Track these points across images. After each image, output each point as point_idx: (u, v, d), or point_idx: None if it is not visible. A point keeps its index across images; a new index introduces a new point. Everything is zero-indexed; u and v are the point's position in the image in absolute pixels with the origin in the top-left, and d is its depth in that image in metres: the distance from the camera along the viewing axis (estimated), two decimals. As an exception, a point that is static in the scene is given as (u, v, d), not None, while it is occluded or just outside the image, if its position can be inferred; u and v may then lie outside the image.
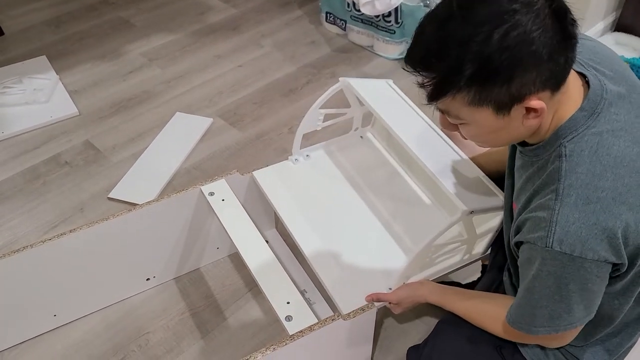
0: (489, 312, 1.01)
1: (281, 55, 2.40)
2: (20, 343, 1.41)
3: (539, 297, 0.84)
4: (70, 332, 1.43)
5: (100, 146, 1.97)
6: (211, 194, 1.37)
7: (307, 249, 1.26)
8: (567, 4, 0.74)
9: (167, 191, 1.79)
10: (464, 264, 1.24)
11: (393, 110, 1.29)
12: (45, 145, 1.98)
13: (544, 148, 0.84)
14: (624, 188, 0.77)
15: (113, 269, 1.43)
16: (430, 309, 1.41)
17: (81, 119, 2.08)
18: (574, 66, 0.80)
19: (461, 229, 1.25)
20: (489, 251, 1.24)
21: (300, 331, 1.09)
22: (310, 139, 1.63)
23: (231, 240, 1.28)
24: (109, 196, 1.76)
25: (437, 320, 1.17)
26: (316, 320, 1.11)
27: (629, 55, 2.20)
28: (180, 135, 1.99)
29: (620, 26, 2.35)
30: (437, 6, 0.76)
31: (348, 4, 2.34)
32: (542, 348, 0.99)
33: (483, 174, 1.20)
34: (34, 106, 2.10)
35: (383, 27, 2.29)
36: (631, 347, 1.03)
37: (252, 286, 1.52)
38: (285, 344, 1.07)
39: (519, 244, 0.87)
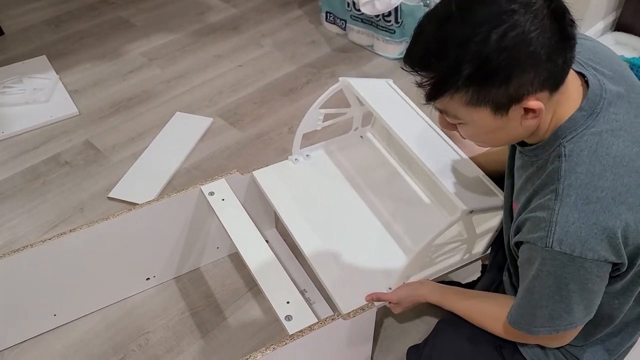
0: (489, 312, 1.01)
1: (281, 55, 2.40)
2: (20, 343, 1.41)
3: (539, 297, 0.84)
4: (70, 332, 1.43)
5: (100, 146, 1.97)
6: (211, 193, 1.37)
7: (307, 248, 1.26)
8: (566, 4, 0.74)
9: (167, 191, 1.79)
10: (463, 263, 1.24)
11: (393, 110, 1.29)
12: (45, 145, 1.98)
13: (543, 148, 0.84)
14: (624, 188, 0.77)
15: (113, 269, 1.43)
16: (430, 308, 1.41)
17: (81, 119, 2.08)
18: (574, 66, 0.80)
19: (461, 229, 1.25)
20: (488, 251, 1.24)
21: (300, 331, 1.09)
22: (310, 139, 1.63)
23: (231, 239, 1.28)
24: (109, 196, 1.77)
25: (437, 320, 1.17)
26: (316, 320, 1.11)
27: (629, 54, 2.21)
28: (180, 135, 1.99)
29: (620, 26, 2.35)
30: (436, 6, 0.76)
31: (348, 4, 2.34)
32: (542, 348, 0.99)
33: (483, 174, 1.20)
34: (34, 106, 2.10)
35: (383, 27, 2.29)
36: (631, 346, 1.03)
37: (252, 286, 1.52)
38: (285, 344, 1.07)
39: (518, 244, 0.87)
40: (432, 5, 0.87)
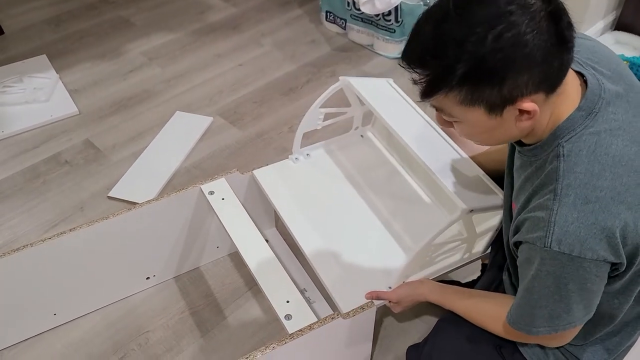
0: (489, 312, 1.01)
1: (281, 54, 2.40)
2: (20, 342, 1.41)
3: (538, 297, 0.84)
4: (70, 331, 1.43)
5: (100, 145, 1.97)
6: (211, 193, 1.37)
7: (307, 247, 1.26)
8: (565, 6, 0.74)
9: (167, 190, 1.79)
10: (463, 262, 1.24)
11: (393, 109, 1.29)
12: (45, 144, 1.98)
13: (542, 148, 0.84)
14: (623, 187, 0.77)
15: (113, 268, 1.43)
16: (430, 307, 1.41)
17: (81, 118, 2.08)
18: (573, 65, 0.80)
19: (461, 228, 1.25)
20: (489, 250, 1.24)
21: (300, 330, 1.09)
22: (310, 138, 1.63)
23: (231, 239, 1.28)
24: (109, 195, 1.77)
25: (437, 319, 1.17)
26: (316, 319, 1.11)
27: (629, 54, 2.20)
28: (180, 134, 1.99)
29: (620, 25, 2.35)
30: (435, 5, 0.76)
31: (348, 3, 2.34)
32: (542, 347, 1.00)
33: (483, 173, 1.20)
34: (34, 105, 2.10)
35: (383, 26, 2.28)
36: (631, 346, 1.03)
37: (251, 285, 1.52)
38: (285, 343, 1.07)
39: (517, 244, 0.87)
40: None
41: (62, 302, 1.41)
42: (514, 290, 1.01)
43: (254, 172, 1.42)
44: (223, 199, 1.36)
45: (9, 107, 2.09)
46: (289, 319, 1.12)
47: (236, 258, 1.60)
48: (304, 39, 2.50)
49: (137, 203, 1.37)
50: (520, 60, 0.71)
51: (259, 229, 1.29)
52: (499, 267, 1.17)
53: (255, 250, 1.24)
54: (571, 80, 0.81)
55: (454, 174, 1.15)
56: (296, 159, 1.46)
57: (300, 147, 1.45)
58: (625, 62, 1.77)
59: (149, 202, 1.36)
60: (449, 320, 1.10)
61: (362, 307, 1.13)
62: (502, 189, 1.06)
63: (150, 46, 2.46)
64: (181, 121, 2.05)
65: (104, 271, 1.42)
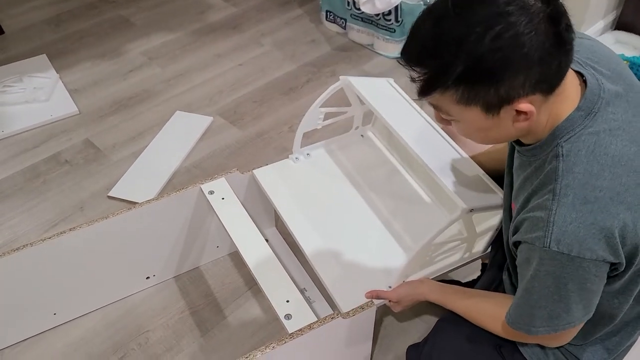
0: (489, 311, 1.01)
1: (281, 53, 2.40)
2: (21, 341, 1.41)
3: (537, 297, 0.84)
4: (70, 331, 1.43)
5: (100, 145, 1.97)
6: (211, 192, 1.37)
7: (307, 247, 1.26)
8: (565, 8, 0.74)
9: (167, 190, 1.79)
10: (464, 262, 1.24)
11: (393, 108, 1.29)
12: (45, 143, 1.98)
13: (541, 148, 0.84)
14: (622, 187, 0.77)
15: (113, 268, 1.43)
16: (430, 307, 1.41)
17: (81, 118, 2.08)
18: (572, 65, 0.79)
19: (461, 227, 1.25)
20: (489, 250, 1.24)
21: (300, 329, 1.09)
22: (310, 138, 1.63)
23: (231, 238, 1.28)
24: (109, 195, 1.77)
25: (436, 319, 1.17)
26: (316, 319, 1.11)
27: (629, 53, 2.20)
28: (180, 134, 1.99)
29: (620, 24, 2.35)
30: (434, 3, 0.77)
31: (348, 3, 2.34)
32: (542, 347, 0.99)
33: (483, 172, 1.20)
34: (34, 105, 2.10)
35: (383, 26, 2.28)
36: (630, 345, 1.03)
37: (251, 285, 1.52)
38: (285, 343, 1.07)
39: (517, 244, 0.87)
40: (432, 3, 0.88)
41: (62, 302, 1.41)
42: (514, 290, 1.01)
43: (254, 171, 1.42)
44: (223, 198, 1.36)
45: (9, 107, 2.09)
46: (288, 319, 1.12)
47: (236, 258, 1.60)
48: (304, 38, 2.50)
49: (137, 203, 1.37)
50: (517, 61, 0.71)
51: (258, 229, 1.29)
52: (499, 267, 1.17)
53: (255, 250, 1.24)
54: (571, 80, 0.81)
55: (454, 174, 1.15)
56: (296, 158, 1.46)
57: (301, 147, 1.45)
58: (625, 61, 1.77)
59: (149, 201, 1.36)
60: (449, 320, 1.10)
61: (362, 307, 1.13)
62: (502, 188, 1.05)
63: (150, 46, 2.46)
64: (181, 121, 2.05)
65: (104, 271, 1.42)
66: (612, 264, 0.79)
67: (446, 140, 1.25)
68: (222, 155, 1.92)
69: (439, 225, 1.08)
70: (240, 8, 2.71)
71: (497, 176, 1.15)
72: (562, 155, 0.80)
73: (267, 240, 1.29)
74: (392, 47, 2.33)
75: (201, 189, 1.38)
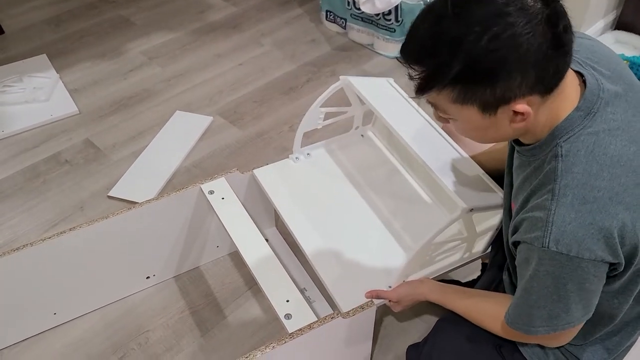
0: (489, 311, 1.01)
1: (281, 53, 2.40)
2: (20, 341, 1.41)
3: (536, 297, 0.84)
4: (70, 331, 1.43)
5: (100, 145, 1.97)
6: (211, 192, 1.37)
7: (307, 247, 1.26)
8: (564, 10, 0.73)
9: (167, 189, 1.79)
10: (464, 262, 1.24)
11: (393, 108, 1.29)
12: (45, 143, 1.98)
13: (540, 148, 0.84)
14: (621, 187, 0.77)
15: (113, 268, 1.43)
16: (430, 307, 1.41)
17: (81, 118, 2.08)
18: (572, 65, 0.79)
19: (461, 227, 1.25)
20: (489, 250, 1.24)
21: (300, 329, 1.09)
22: (310, 138, 1.63)
23: (231, 238, 1.28)
24: (109, 194, 1.77)
25: (436, 319, 1.17)
26: (316, 319, 1.11)
27: (629, 53, 2.20)
28: (180, 134, 1.99)
29: (620, 24, 2.35)
30: (433, 2, 0.77)
31: (348, 3, 2.34)
32: (542, 347, 0.99)
33: (483, 172, 1.20)
34: (34, 105, 2.10)
35: (383, 26, 2.28)
36: (631, 345, 1.03)
37: (251, 284, 1.52)
38: (285, 342, 1.07)
39: (516, 244, 0.87)
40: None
41: (62, 302, 1.41)
42: (514, 290, 1.01)
43: (254, 171, 1.42)
44: (223, 198, 1.36)
45: (9, 107, 2.09)
46: (288, 319, 1.12)
47: (236, 257, 1.60)
48: (304, 38, 2.50)
49: (137, 202, 1.37)
50: (514, 61, 0.71)
51: (259, 229, 1.29)
52: (499, 267, 1.17)
53: (255, 250, 1.24)
54: (570, 81, 0.80)
55: (454, 173, 1.15)
56: (296, 158, 1.46)
57: (301, 147, 1.45)
58: (625, 61, 1.77)
59: (148, 201, 1.36)
60: (449, 320, 1.10)
61: (362, 307, 1.13)
62: (503, 188, 1.05)
63: (150, 45, 2.46)
64: (181, 121, 2.05)
65: (104, 271, 1.42)
66: (611, 264, 0.79)
67: (446, 140, 1.25)
68: (222, 155, 1.92)
69: (439, 225, 1.08)
70: (240, 8, 2.71)
71: (498, 176, 1.15)
72: (561, 155, 0.79)
73: (267, 240, 1.29)
74: (392, 47, 2.33)
75: (201, 189, 1.38)
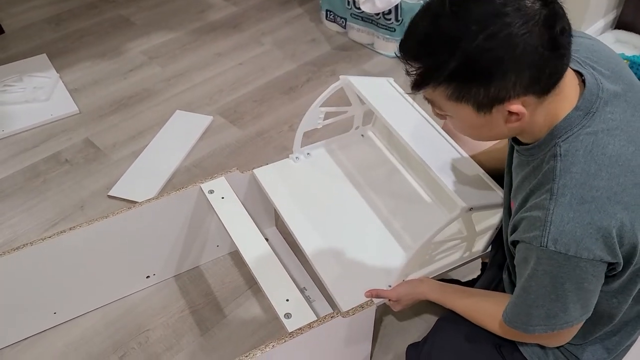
0: (488, 311, 1.01)
1: (281, 53, 2.40)
2: (21, 341, 1.41)
3: (535, 296, 0.84)
4: (70, 330, 1.44)
5: (101, 144, 1.97)
6: (211, 191, 1.37)
7: (307, 246, 1.26)
8: (563, 11, 0.73)
9: (167, 189, 1.79)
10: (463, 261, 1.24)
11: (393, 108, 1.29)
12: (45, 143, 1.98)
13: (539, 148, 0.84)
14: (619, 187, 0.77)
15: (113, 267, 1.43)
16: (429, 306, 1.41)
17: (81, 117, 2.09)
18: (571, 64, 0.79)
19: (461, 226, 1.25)
20: (489, 249, 1.24)
21: (300, 328, 1.09)
22: (310, 137, 1.63)
23: (231, 238, 1.28)
24: (109, 194, 1.77)
25: (436, 318, 1.17)
26: (315, 318, 1.11)
27: (629, 52, 2.20)
28: (180, 133, 1.99)
29: (620, 24, 2.35)
30: (432, 0, 0.77)
31: (348, 2, 2.34)
32: (542, 346, 0.99)
33: (483, 171, 1.20)
34: (34, 104, 2.10)
35: (383, 25, 2.28)
36: (630, 345, 1.03)
37: (251, 284, 1.52)
38: (285, 341, 1.07)
39: (515, 243, 0.87)
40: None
41: (62, 301, 1.41)
42: (514, 289, 1.01)
43: (254, 171, 1.43)
44: (223, 197, 1.36)
45: (9, 106, 2.09)
46: (288, 318, 1.12)
47: (236, 257, 1.60)
48: (304, 37, 2.50)
49: (137, 202, 1.37)
50: (509, 61, 0.71)
51: (258, 228, 1.29)
52: (499, 266, 1.17)
53: (255, 249, 1.25)
54: (570, 80, 0.80)
55: (454, 173, 1.15)
56: (296, 158, 1.46)
57: (301, 146, 1.45)
58: (625, 60, 1.77)
59: (148, 201, 1.36)
60: (449, 319, 1.10)
61: (361, 306, 1.14)
62: (502, 187, 1.05)
63: (150, 45, 2.46)
64: (181, 120, 2.05)
65: (104, 270, 1.42)
66: (609, 264, 0.79)
67: (446, 139, 1.25)
68: (222, 155, 1.92)
69: (439, 224, 1.08)
70: (241, 7, 2.71)
71: (497, 175, 1.15)
72: (560, 155, 0.80)
73: (267, 240, 1.29)
74: (392, 47, 2.33)
75: (201, 188, 1.38)
